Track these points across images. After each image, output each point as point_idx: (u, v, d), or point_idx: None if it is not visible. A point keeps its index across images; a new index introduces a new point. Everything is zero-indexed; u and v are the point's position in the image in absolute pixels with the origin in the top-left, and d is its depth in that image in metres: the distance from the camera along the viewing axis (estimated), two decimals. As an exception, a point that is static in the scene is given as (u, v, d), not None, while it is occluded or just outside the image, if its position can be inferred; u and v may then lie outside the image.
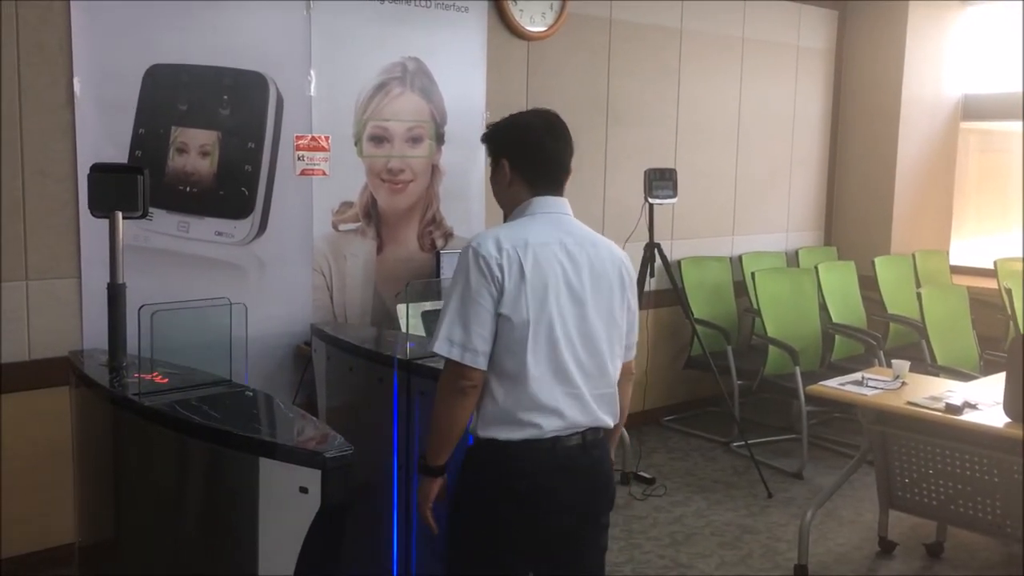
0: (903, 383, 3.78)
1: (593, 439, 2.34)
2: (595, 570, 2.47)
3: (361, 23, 4.28)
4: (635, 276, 2.48)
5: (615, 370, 2.39)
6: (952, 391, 3.68)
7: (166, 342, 3.07)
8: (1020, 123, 6.27)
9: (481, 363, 2.22)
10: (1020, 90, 6.18)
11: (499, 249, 2.23)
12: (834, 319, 5.77)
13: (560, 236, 2.33)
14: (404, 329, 3.70)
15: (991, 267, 6.18)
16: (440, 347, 2.23)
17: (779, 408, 5.87)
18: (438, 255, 4.47)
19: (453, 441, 2.31)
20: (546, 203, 2.38)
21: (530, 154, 2.39)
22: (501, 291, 2.21)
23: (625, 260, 2.44)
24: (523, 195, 2.39)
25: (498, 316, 2.22)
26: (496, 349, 2.23)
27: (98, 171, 3.06)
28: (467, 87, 4.71)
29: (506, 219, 2.43)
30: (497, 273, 2.21)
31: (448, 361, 2.24)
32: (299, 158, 4.15)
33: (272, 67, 4.02)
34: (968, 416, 3.40)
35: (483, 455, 2.30)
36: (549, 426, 2.26)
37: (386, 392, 3.34)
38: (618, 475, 4.85)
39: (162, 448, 2.64)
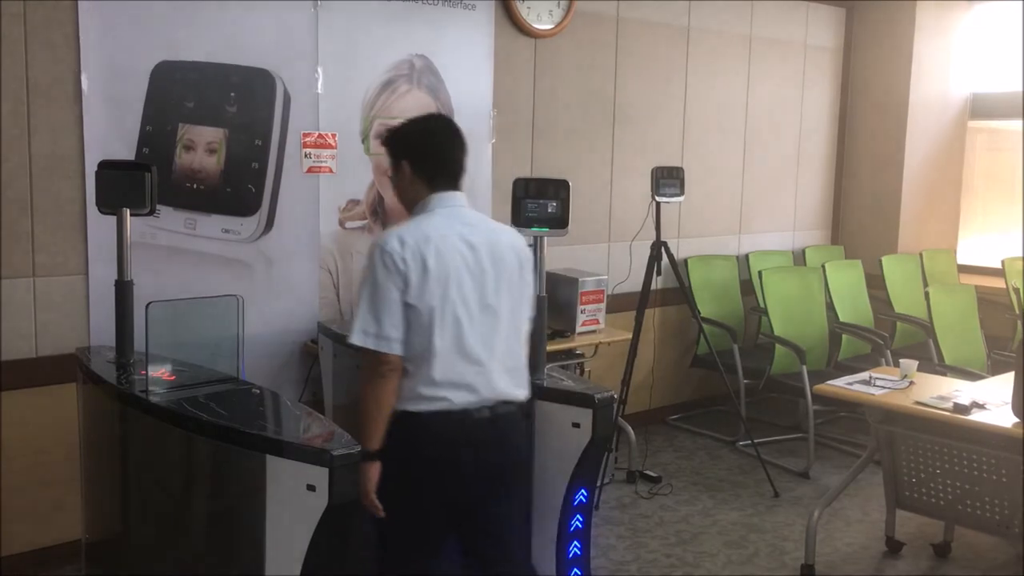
0: (911, 382, 3.77)
1: (504, 412, 2.57)
2: (512, 540, 2.70)
3: (368, 20, 4.28)
4: (531, 257, 2.73)
5: (520, 345, 2.65)
6: (960, 391, 3.67)
7: (173, 339, 3.08)
8: (1020, 122, 6.27)
9: (396, 349, 2.46)
10: (1021, 90, 6.17)
11: (402, 245, 2.46)
12: (841, 318, 5.75)
13: (459, 227, 2.56)
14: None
15: (999, 266, 6.17)
16: (356, 338, 2.46)
17: (786, 407, 5.86)
18: (445, 253, 4.46)
19: (382, 422, 2.48)
20: (445, 199, 2.60)
21: (429, 156, 2.62)
22: (406, 283, 2.45)
23: (522, 243, 2.70)
24: (423, 192, 2.60)
25: (406, 305, 2.45)
26: (408, 333, 2.47)
27: (106, 168, 3.06)
28: (474, 85, 4.70)
29: (409, 214, 2.64)
30: (401, 267, 2.44)
31: (365, 350, 2.46)
32: (306, 155, 4.15)
33: (279, 64, 4.02)
34: (976, 416, 3.39)
35: (400, 426, 2.50)
36: (459, 400, 2.50)
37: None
38: (624, 473, 4.85)
39: (169, 445, 2.64)
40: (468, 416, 2.51)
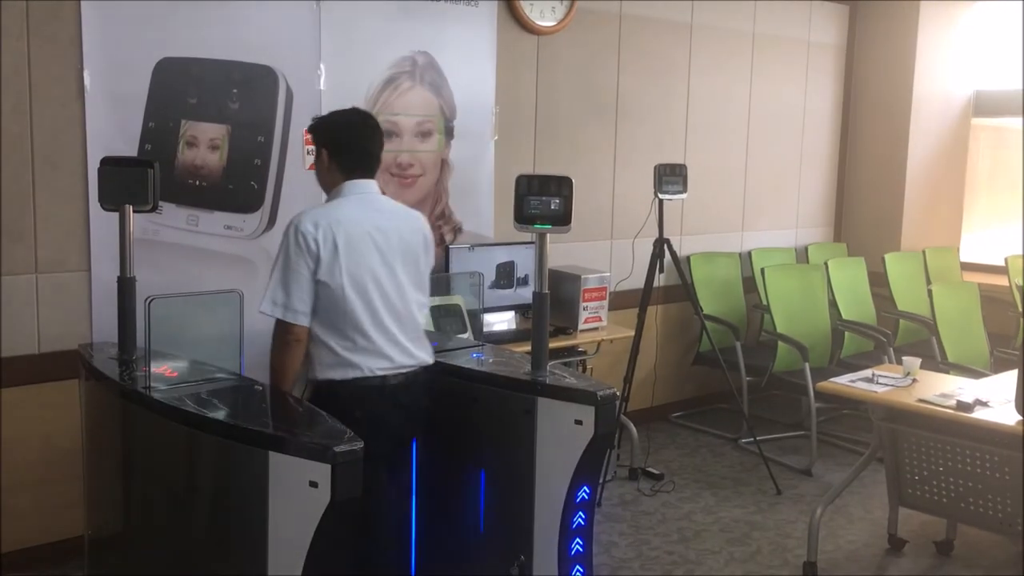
0: (913, 380, 3.77)
1: (415, 377, 2.92)
2: (405, 488, 3.10)
3: (371, 17, 4.28)
4: (433, 240, 3.05)
5: (422, 317, 2.98)
6: (963, 388, 3.66)
7: (175, 335, 3.08)
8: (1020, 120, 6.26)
9: (302, 320, 2.73)
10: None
11: (316, 226, 2.71)
12: (844, 316, 5.75)
13: (370, 212, 2.84)
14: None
15: (1002, 264, 6.16)
16: (266, 307, 2.73)
17: (788, 405, 5.86)
18: (447, 250, 4.47)
19: (288, 383, 2.79)
20: (358, 185, 2.87)
21: (346, 146, 2.88)
22: (317, 261, 2.71)
23: (426, 227, 3.01)
24: (339, 179, 2.87)
25: (317, 282, 2.72)
26: (325, 309, 2.74)
27: (108, 164, 3.06)
28: (476, 82, 4.70)
29: (327, 197, 2.92)
30: (313, 247, 2.70)
31: (276, 320, 2.74)
32: (309, 152, 4.14)
33: (282, 61, 4.02)
34: (979, 413, 3.39)
35: (324, 393, 2.80)
36: (376, 367, 2.81)
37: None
38: (626, 471, 4.85)
39: (172, 441, 2.64)
40: (386, 381, 2.83)
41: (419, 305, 2.95)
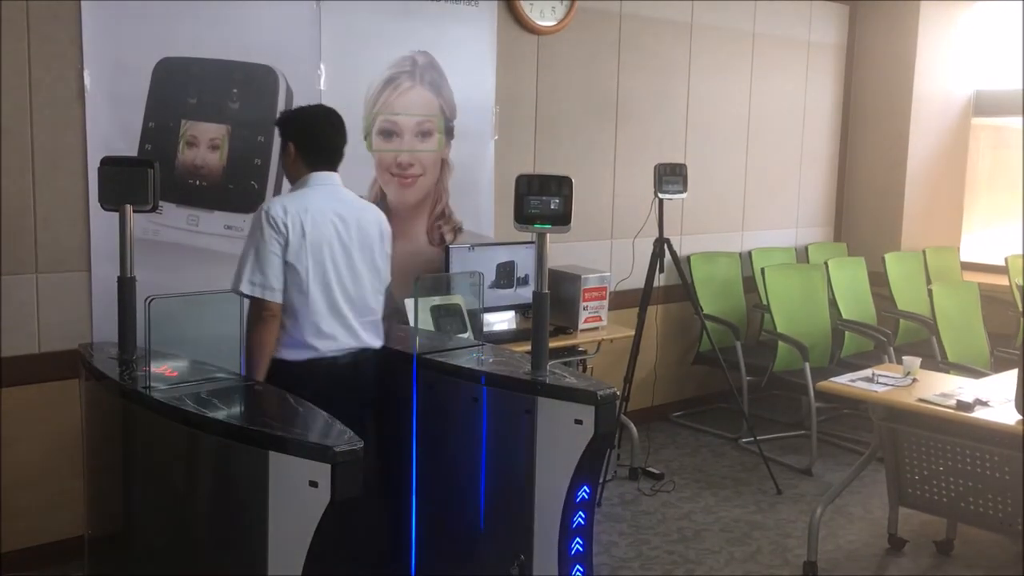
0: (914, 380, 3.77)
1: (363, 358, 3.10)
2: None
3: (371, 17, 4.28)
4: (390, 231, 3.25)
5: (378, 304, 3.17)
6: (963, 388, 3.66)
7: (175, 335, 3.08)
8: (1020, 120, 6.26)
9: (277, 297, 2.91)
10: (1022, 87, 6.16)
11: (285, 212, 2.91)
12: (844, 315, 5.75)
13: (333, 203, 3.04)
14: (413, 323, 3.70)
15: (1002, 263, 6.16)
16: (244, 288, 2.90)
17: (788, 404, 5.86)
18: (447, 250, 4.47)
19: (266, 359, 2.93)
20: (322, 178, 3.07)
21: (311, 140, 3.08)
22: (286, 244, 2.90)
23: (384, 220, 3.22)
24: (304, 171, 3.07)
25: (285, 263, 2.90)
26: (287, 290, 2.92)
27: (108, 164, 3.06)
28: (477, 81, 4.70)
29: (292, 188, 3.11)
30: (283, 230, 2.90)
31: (252, 298, 2.90)
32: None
33: (282, 61, 4.02)
34: (979, 413, 3.39)
35: (277, 371, 2.95)
36: (326, 348, 2.99)
37: (396, 386, 3.34)
38: (626, 470, 4.85)
39: (172, 441, 2.64)
40: (334, 362, 3.00)
41: (375, 291, 3.15)
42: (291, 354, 2.97)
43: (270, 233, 2.90)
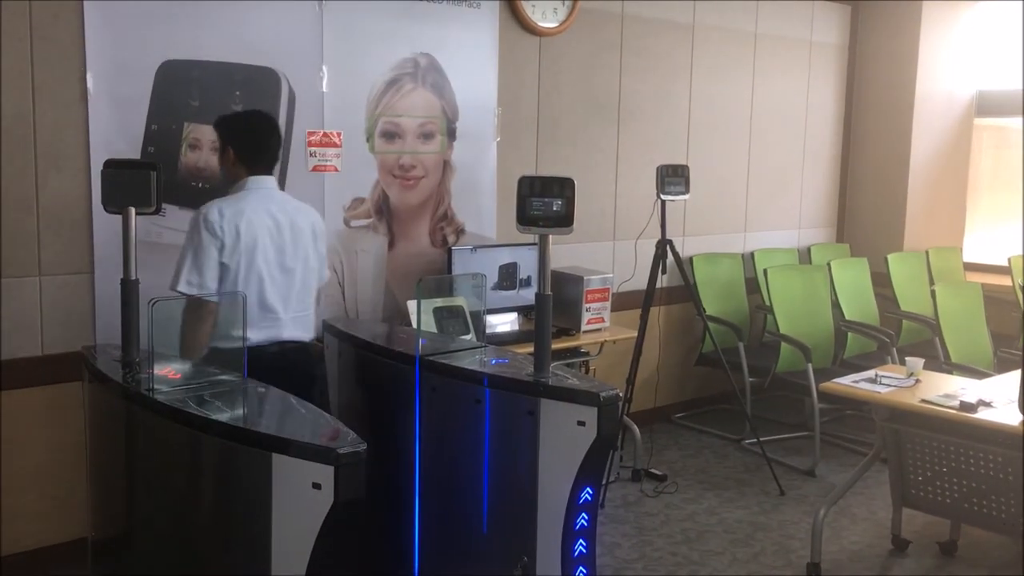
0: (917, 380, 3.77)
1: (292, 348, 3.28)
2: None
3: (373, 19, 4.28)
4: (324, 230, 3.46)
5: (309, 299, 3.37)
6: (966, 389, 3.66)
7: (177, 337, 3.08)
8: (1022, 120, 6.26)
9: (212, 296, 3.08)
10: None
11: (221, 215, 3.10)
12: (847, 316, 5.74)
13: (268, 205, 3.22)
14: (416, 325, 3.70)
15: (1005, 264, 6.15)
16: (182, 287, 3.07)
17: (791, 405, 5.85)
18: (450, 251, 4.47)
19: (199, 353, 3.07)
20: (259, 181, 3.25)
21: (250, 145, 3.25)
22: (223, 246, 3.08)
23: (318, 220, 3.41)
24: (242, 174, 3.24)
25: (221, 264, 3.09)
26: (220, 287, 3.10)
27: (111, 167, 3.06)
28: (479, 83, 4.70)
29: (231, 190, 3.26)
30: (219, 233, 3.08)
31: (190, 296, 3.07)
32: (311, 154, 4.15)
33: (284, 63, 4.02)
34: (982, 414, 3.39)
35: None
36: (256, 338, 3.14)
37: (398, 388, 3.34)
38: (629, 472, 4.85)
39: (175, 443, 2.64)
40: (263, 351, 3.16)
41: (305, 288, 3.34)
42: (223, 344, 3.12)
43: (207, 237, 3.08)
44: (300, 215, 3.32)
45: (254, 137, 3.27)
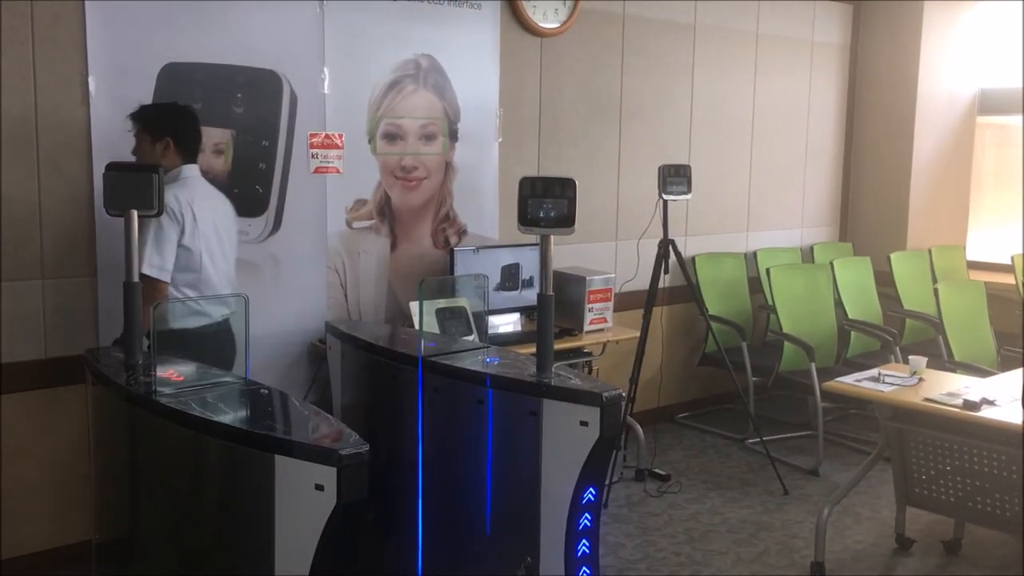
0: (920, 379, 3.76)
1: (224, 328, 3.41)
2: None
3: (374, 20, 4.28)
4: (235, 214, 3.68)
5: (232, 274, 3.62)
6: (969, 387, 3.65)
7: (180, 338, 3.08)
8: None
9: (167, 278, 3.27)
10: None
11: (178, 201, 3.27)
12: (850, 315, 5.74)
13: (205, 191, 3.47)
14: (418, 326, 3.70)
15: (1008, 262, 6.14)
16: (145, 269, 3.16)
17: (794, 405, 5.85)
18: (452, 252, 4.47)
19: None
20: (193, 169, 3.46)
21: (187, 136, 3.44)
22: (183, 230, 3.28)
23: (232, 207, 3.65)
24: (178, 163, 3.40)
25: (181, 247, 3.28)
26: (178, 269, 3.29)
27: (113, 169, 3.07)
28: (480, 84, 4.70)
29: (167, 180, 3.27)
30: (179, 218, 3.27)
31: (151, 279, 3.19)
32: (313, 156, 4.15)
33: (286, 65, 4.03)
34: (986, 412, 3.38)
35: (170, 340, 3.09)
36: (217, 314, 3.37)
37: (401, 389, 3.34)
38: (632, 472, 4.85)
39: (178, 445, 2.65)
40: (219, 326, 3.37)
41: (233, 269, 3.62)
42: (187, 323, 3.30)
43: (167, 221, 3.23)
44: (224, 203, 3.59)
45: (192, 128, 3.46)
